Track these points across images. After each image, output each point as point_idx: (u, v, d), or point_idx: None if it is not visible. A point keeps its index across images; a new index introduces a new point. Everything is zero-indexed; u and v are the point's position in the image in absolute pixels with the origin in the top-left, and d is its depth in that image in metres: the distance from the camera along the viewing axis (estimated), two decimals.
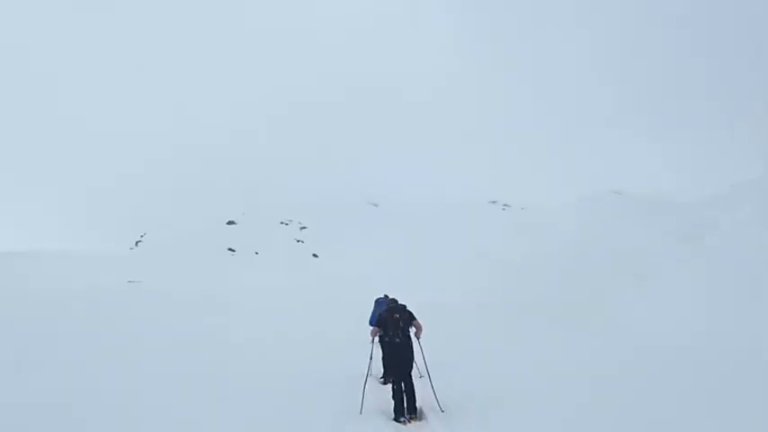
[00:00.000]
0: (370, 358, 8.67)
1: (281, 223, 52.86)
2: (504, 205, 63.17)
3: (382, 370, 9.72)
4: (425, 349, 8.57)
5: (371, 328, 8.46)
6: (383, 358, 8.67)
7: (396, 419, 7.54)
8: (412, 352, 8.01)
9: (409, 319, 8.13)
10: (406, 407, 7.64)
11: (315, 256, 42.61)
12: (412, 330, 8.23)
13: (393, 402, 7.70)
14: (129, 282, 23.21)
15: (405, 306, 8.39)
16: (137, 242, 49.43)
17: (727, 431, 6.45)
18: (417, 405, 7.78)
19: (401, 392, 7.69)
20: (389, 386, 8.11)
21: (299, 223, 52.81)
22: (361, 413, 7.64)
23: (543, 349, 12.25)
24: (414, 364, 8.05)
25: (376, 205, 62.11)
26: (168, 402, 8.04)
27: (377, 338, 8.41)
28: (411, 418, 7.59)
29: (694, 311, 13.75)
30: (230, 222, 52.23)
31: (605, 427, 6.93)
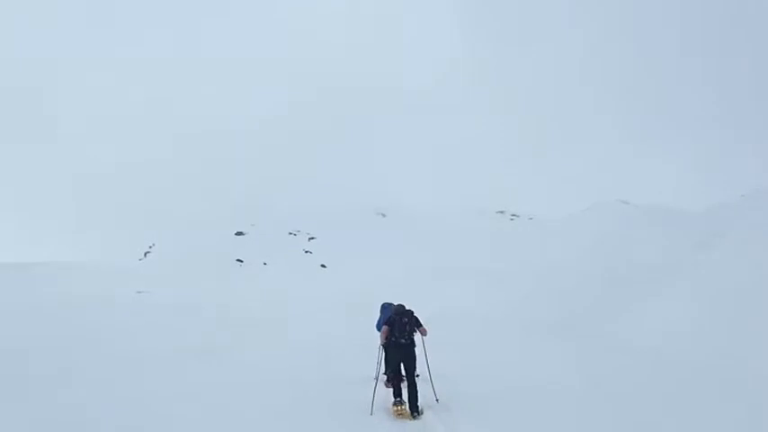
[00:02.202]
0: (378, 362, 9.14)
1: (290, 234, 53.02)
2: (512, 215, 63.08)
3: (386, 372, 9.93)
4: (428, 352, 9.01)
5: (383, 328, 8.88)
6: (386, 358, 9.01)
7: (394, 404, 8.13)
8: (415, 355, 8.50)
9: (416, 323, 8.62)
10: (408, 403, 8.09)
11: (323, 266, 42.64)
12: (417, 336, 8.70)
13: (393, 391, 8.29)
14: (137, 292, 23.33)
15: (412, 312, 8.84)
16: (146, 253, 49.76)
17: None
18: (419, 406, 8.16)
19: (399, 383, 8.31)
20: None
21: (308, 234, 52.94)
22: (371, 414, 7.97)
23: (545, 357, 12.22)
24: (416, 366, 8.53)
25: (384, 215, 62.13)
26: (177, 407, 8.07)
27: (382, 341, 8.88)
28: (414, 416, 7.97)
29: (701, 323, 13.55)
30: (239, 233, 52.45)
31: (596, 424, 7.20)
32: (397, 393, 8.19)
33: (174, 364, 11.21)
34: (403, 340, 8.45)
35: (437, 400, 8.40)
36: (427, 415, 7.97)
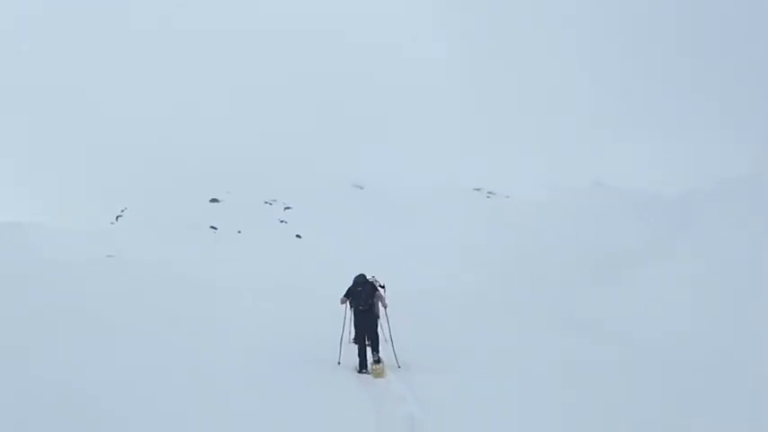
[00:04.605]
0: (344, 322, 10.22)
1: (266, 203, 52.51)
2: (489, 193, 63.35)
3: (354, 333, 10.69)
4: (393, 323, 10.09)
5: (342, 299, 9.99)
6: (354, 323, 9.98)
7: (359, 371, 9.15)
8: (374, 317, 9.69)
9: (371, 290, 9.71)
10: (370, 351, 9.24)
11: (298, 236, 42.45)
12: (378, 301, 9.89)
13: (358, 359, 9.33)
14: (108, 256, 22.96)
15: (367, 280, 9.99)
16: (117, 216, 48.89)
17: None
18: (382, 360, 9.22)
19: (364, 351, 9.35)
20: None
21: (284, 203, 52.52)
22: (339, 363, 9.14)
23: (508, 334, 12.38)
24: (380, 329, 9.74)
25: (361, 188, 61.87)
26: (156, 368, 8.00)
27: (349, 307, 10.00)
28: (375, 361, 9.11)
29: (679, 311, 13.64)
30: (213, 200, 51.74)
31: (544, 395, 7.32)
32: (363, 365, 9.17)
33: (148, 332, 11.07)
34: (361, 307, 9.49)
35: (399, 366, 9.26)
36: (388, 374, 8.74)
